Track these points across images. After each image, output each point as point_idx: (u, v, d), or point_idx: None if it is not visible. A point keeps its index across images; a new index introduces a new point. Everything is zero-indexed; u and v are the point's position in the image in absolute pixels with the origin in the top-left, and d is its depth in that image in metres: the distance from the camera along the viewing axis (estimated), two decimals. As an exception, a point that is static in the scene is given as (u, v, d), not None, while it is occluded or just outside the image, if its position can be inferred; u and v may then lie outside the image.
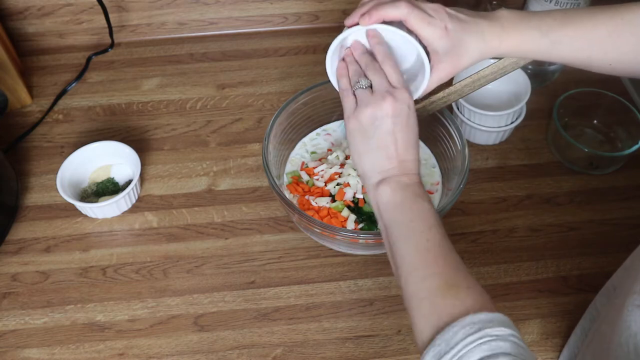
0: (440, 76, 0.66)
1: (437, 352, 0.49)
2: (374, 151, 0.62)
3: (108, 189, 0.87)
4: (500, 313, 0.51)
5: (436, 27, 0.62)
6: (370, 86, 0.63)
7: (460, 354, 0.48)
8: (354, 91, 0.64)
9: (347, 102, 0.65)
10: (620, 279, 0.64)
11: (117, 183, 0.89)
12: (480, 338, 0.48)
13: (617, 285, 0.64)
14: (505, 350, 0.48)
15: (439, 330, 0.50)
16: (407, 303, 0.56)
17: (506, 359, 0.47)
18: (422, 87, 0.67)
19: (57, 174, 0.84)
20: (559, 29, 0.64)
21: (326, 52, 0.67)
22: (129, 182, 0.89)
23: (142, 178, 0.90)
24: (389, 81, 0.63)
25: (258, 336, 0.76)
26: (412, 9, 0.62)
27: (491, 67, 0.74)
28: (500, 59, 0.73)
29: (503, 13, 0.65)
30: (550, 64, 0.97)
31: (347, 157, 0.85)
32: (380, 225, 0.62)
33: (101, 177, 0.89)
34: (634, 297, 0.52)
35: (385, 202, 0.61)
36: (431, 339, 0.51)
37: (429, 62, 0.65)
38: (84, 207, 0.84)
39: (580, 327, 0.70)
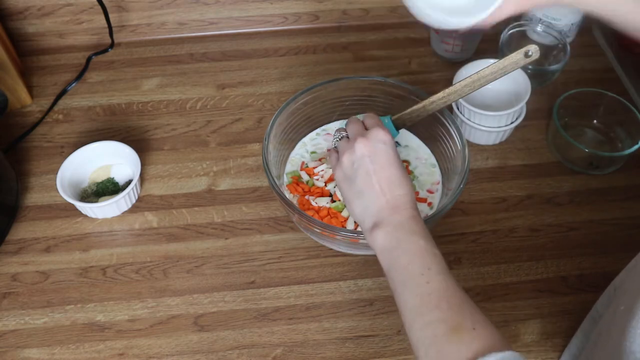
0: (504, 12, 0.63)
1: None
2: (361, 194, 0.64)
3: (108, 189, 0.87)
4: (510, 350, 0.50)
5: None
6: (348, 137, 0.66)
7: None
8: (335, 148, 0.67)
9: (331, 158, 0.68)
10: (622, 281, 0.63)
11: (117, 183, 0.89)
12: None
13: (618, 286, 0.64)
14: None
15: None
16: (415, 350, 0.55)
17: None
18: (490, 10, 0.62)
19: (57, 174, 0.84)
20: None
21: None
22: (129, 182, 0.88)
23: (142, 178, 0.90)
24: (364, 127, 0.65)
25: (258, 336, 0.76)
26: None
27: (491, 67, 0.74)
28: (502, 57, 0.73)
29: None
30: (550, 63, 0.97)
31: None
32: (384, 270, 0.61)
33: (101, 177, 0.89)
34: None
35: (381, 247, 0.61)
36: None
37: None
38: (84, 207, 0.84)
39: (582, 329, 0.70)
